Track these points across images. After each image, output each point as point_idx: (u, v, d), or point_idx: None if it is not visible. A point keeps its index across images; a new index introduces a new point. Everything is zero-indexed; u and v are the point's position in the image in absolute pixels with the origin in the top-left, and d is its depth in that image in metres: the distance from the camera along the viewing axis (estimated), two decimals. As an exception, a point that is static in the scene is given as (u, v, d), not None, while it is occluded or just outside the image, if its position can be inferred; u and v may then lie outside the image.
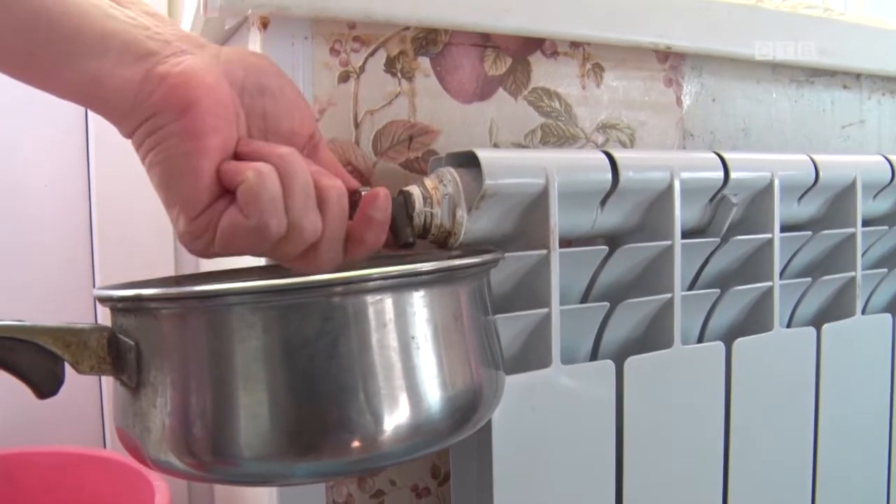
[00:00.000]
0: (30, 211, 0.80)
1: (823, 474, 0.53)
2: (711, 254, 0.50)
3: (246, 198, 0.31)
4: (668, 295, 0.47)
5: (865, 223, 0.58)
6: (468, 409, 0.33)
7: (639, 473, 0.45)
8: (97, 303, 0.51)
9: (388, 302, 0.28)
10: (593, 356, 0.47)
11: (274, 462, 0.28)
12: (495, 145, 0.55)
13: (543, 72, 0.56)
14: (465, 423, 0.33)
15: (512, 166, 0.41)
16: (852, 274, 0.56)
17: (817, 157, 0.55)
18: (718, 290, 0.50)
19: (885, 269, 0.61)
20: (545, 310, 0.43)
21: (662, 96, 0.62)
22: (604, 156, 0.45)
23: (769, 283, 0.51)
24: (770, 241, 0.51)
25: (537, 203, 0.43)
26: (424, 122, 0.52)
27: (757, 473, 0.50)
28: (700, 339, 0.51)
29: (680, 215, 0.47)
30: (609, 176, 0.44)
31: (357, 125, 0.51)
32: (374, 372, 0.28)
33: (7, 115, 0.79)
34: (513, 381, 0.42)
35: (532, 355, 0.43)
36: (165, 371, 0.27)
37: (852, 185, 0.55)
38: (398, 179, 0.52)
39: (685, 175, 0.47)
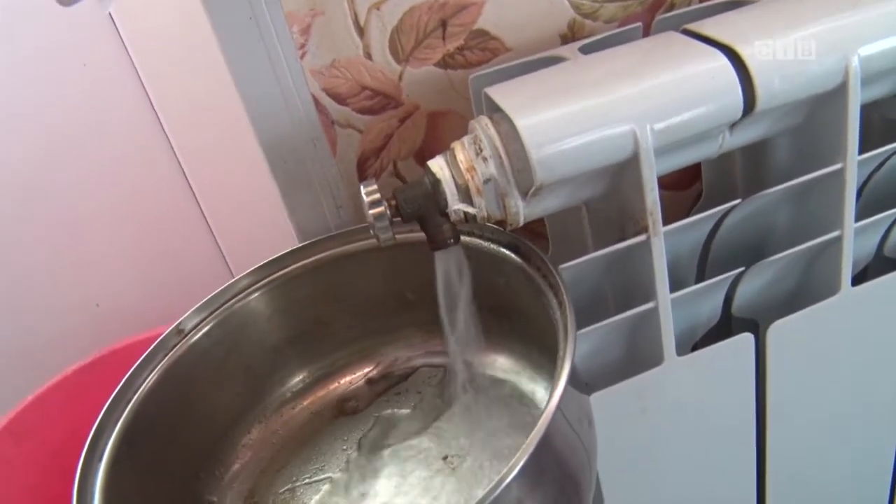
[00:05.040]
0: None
1: None
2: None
3: None
4: (836, 233, 0.34)
5: None
6: None
7: (787, 454, 0.38)
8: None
9: None
10: (722, 324, 0.37)
11: None
12: (569, -6, 0.38)
13: None
14: None
15: (574, 138, 0.28)
16: None
17: None
18: None
19: None
20: (650, 304, 0.32)
21: None
22: (727, 63, 0.29)
23: None
24: None
25: (624, 173, 0.30)
26: (457, -5, 0.37)
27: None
28: (867, 272, 0.38)
29: (858, 122, 0.31)
30: (739, 98, 0.29)
31: (361, 31, 0.37)
32: None
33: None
34: (615, 391, 0.34)
35: (638, 354, 0.35)
36: None
37: None
38: (438, 86, 0.40)
39: (867, 51, 0.30)
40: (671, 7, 0.41)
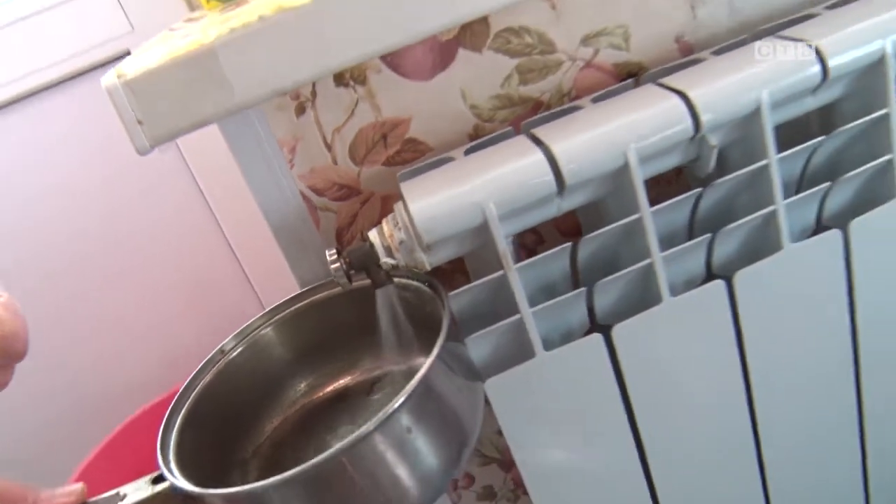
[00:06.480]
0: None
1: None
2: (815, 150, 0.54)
3: None
4: (649, 260, 0.51)
5: None
6: (460, 448, 0.46)
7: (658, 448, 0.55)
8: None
9: (380, 435, 0.41)
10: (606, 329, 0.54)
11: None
12: (472, 107, 0.57)
13: (503, 13, 0.55)
14: (460, 457, 0.46)
15: (445, 214, 0.47)
16: None
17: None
18: (828, 183, 0.54)
19: None
20: (517, 316, 0.50)
21: (656, -29, 0.57)
22: (542, 157, 0.47)
23: (888, 157, 0.53)
24: (886, 116, 0.52)
25: (483, 233, 0.48)
26: (393, 116, 0.57)
27: None
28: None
29: (644, 192, 0.49)
30: (552, 181, 0.48)
31: (329, 146, 0.57)
32: (393, 473, 0.42)
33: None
34: (506, 376, 0.52)
35: (528, 349, 0.52)
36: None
37: None
38: (385, 179, 0.59)
39: (641, 143, 0.48)
40: (548, 108, 0.59)
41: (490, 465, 0.75)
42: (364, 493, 0.42)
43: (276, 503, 0.41)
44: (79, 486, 0.46)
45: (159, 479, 0.47)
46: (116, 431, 1.01)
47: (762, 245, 0.54)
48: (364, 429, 0.40)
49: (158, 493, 0.46)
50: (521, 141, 0.51)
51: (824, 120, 0.57)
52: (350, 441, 0.40)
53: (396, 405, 0.41)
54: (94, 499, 0.47)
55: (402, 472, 0.43)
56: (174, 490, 0.45)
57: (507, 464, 0.75)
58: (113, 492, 0.47)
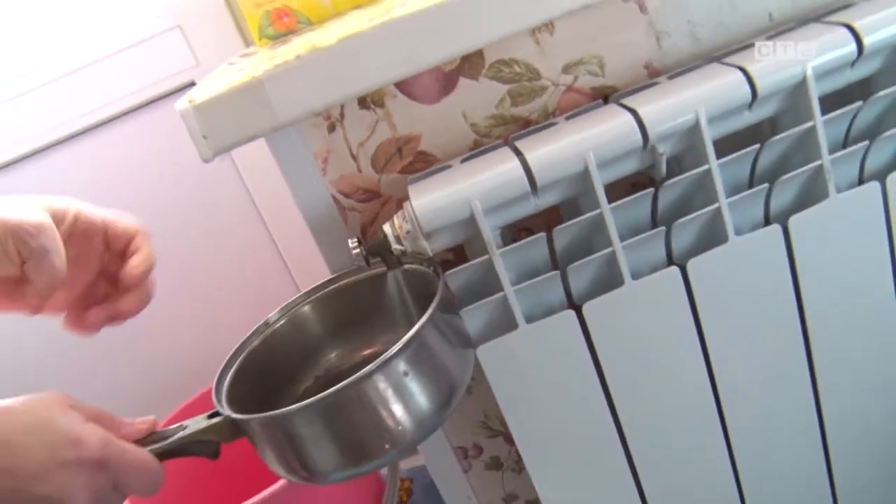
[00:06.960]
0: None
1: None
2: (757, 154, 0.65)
3: None
4: (609, 249, 0.62)
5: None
6: (450, 395, 0.57)
7: (631, 412, 0.66)
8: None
9: (382, 375, 0.53)
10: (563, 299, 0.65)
11: (346, 470, 0.56)
12: (472, 125, 0.70)
13: (495, 48, 0.68)
14: (450, 403, 0.57)
15: (440, 208, 0.59)
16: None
17: (858, 24, 0.62)
18: (766, 185, 0.64)
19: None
20: (501, 294, 0.62)
21: (622, 11, 0.68)
22: (518, 164, 0.59)
23: (818, 162, 0.64)
24: (812, 128, 0.63)
25: (473, 224, 0.60)
26: (406, 133, 0.70)
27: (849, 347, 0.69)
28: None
29: (603, 191, 0.60)
30: (526, 185, 0.60)
31: (355, 158, 0.70)
32: (392, 408, 0.54)
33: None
34: (495, 343, 0.64)
35: (502, 324, 0.64)
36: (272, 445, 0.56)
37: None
38: (400, 184, 0.71)
39: (599, 152, 0.59)
40: (536, 123, 0.71)
41: (497, 437, 0.86)
42: (369, 424, 0.54)
43: (300, 425, 0.54)
44: (151, 417, 0.59)
45: (214, 415, 0.60)
46: (172, 414, 1.17)
47: (712, 238, 0.65)
48: (368, 368, 0.52)
49: (213, 425, 0.59)
50: (505, 151, 0.63)
51: (773, 131, 0.68)
52: (357, 377, 0.52)
53: (394, 351, 0.53)
54: (162, 429, 0.60)
55: (399, 408, 0.55)
56: (226, 420, 0.58)
57: (511, 437, 0.85)
58: (177, 424, 0.61)
